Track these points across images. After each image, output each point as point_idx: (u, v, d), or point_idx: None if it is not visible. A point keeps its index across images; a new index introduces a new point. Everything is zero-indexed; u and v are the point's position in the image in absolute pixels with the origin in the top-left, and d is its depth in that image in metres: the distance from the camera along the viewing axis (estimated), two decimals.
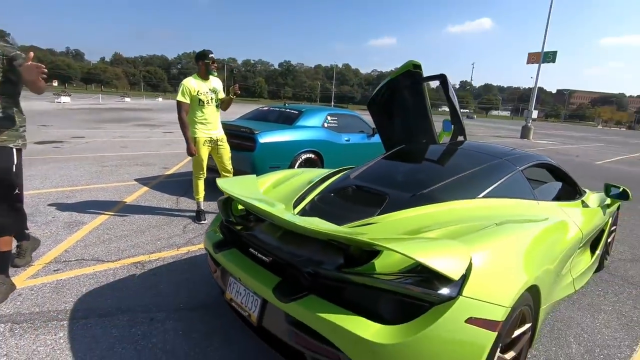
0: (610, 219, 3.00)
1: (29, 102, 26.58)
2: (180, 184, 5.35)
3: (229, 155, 3.93)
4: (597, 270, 3.12)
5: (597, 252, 2.76)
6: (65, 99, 29.71)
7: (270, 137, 4.65)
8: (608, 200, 2.91)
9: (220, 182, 1.90)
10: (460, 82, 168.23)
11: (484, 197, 2.00)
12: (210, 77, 3.70)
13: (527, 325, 1.59)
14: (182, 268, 2.78)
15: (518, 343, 1.60)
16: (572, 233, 2.07)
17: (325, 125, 5.50)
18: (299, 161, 4.90)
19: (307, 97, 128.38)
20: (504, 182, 2.15)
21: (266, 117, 5.68)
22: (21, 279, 2.48)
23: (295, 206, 1.97)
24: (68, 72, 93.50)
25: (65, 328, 2.00)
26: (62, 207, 4.03)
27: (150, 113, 23.05)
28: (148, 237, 3.34)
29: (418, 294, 1.24)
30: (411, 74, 3.18)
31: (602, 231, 2.87)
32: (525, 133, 21.33)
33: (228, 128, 4.74)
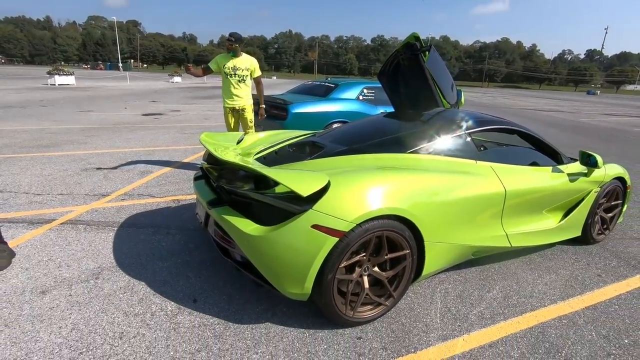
0: (598, 190, 2.91)
1: (148, 82, 31.54)
2: None
3: (250, 124, 4.54)
4: (585, 242, 3.07)
5: (565, 221, 2.77)
6: (177, 79, 34.35)
7: (301, 108, 5.26)
8: (584, 169, 2.83)
9: (205, 136, 2.61)
10: (587, 51, 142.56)
11: (411, 152, 2.32)
12: (243, 55, 4.33)
13: (405, 252, 1.96)
14: None
15: (397, 266, 2.00)
16: (490, 190, 2.26)
17: (361, 97, 5.87)
18: None
19: None
20: (441, 141, 2.41)
21: (307, 91, 6.27)
22: (103, 201, 3.61)
23: (257, 154, 2.57)
24: (182, 55, 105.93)
25: (114, 231, 2.98)
26: (142, 160, 5.29)
27: None
28: (191, 184, 4.31)
29: (284, 206, 1.76)
30: (411, 45, 3.42)
31: (580, 201, 2.84)
32: None
33: (270, 100, 5.50)
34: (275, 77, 71.16)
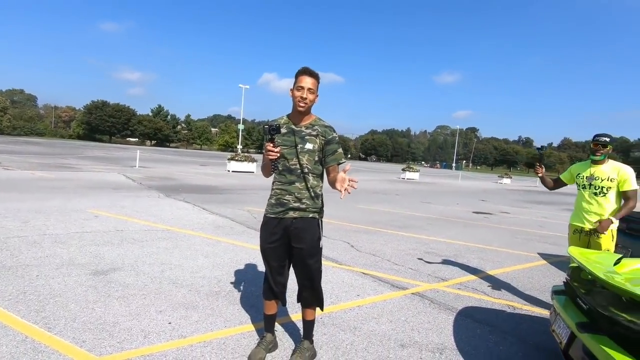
0: None
1: (477, 182, 33.18)
2: None
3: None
4: None
5: None
6: (506, 180, 34.18)
7: None
8: None
9: (575, 250, 2.45)
10: None
11: None
12: (608, 162, 3.32)
13: None
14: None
15: None
16: None
17: None
18: None
19: None
20: None
21: None
22: (443, 284, 4.09)
23: None
24: (515, 157, 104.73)
25: (453, 315, 3.27)
26: (475, 256, 5.55)
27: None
28: (529, 293, 4.05)
29: None
30: None
31: None
32: None
33: None
34: None
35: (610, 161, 3.34)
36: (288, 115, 2.30)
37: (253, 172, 20.27)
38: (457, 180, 32.94)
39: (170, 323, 2.75)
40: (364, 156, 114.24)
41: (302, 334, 2.49)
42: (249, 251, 4.84)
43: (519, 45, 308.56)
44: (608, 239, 3.25)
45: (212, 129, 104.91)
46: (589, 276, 2.20)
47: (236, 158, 20.68)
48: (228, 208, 8.16)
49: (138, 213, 6.81)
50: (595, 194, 3.31)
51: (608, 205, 3.26)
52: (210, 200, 9.10)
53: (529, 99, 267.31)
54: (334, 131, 2.30)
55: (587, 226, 3.34)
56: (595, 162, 3.35)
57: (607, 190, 3.26)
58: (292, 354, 2.37)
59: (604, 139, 3.24)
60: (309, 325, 2.41)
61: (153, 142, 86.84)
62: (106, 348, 2.34)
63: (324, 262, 4.56)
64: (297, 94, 2.14)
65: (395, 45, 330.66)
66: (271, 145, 2.08)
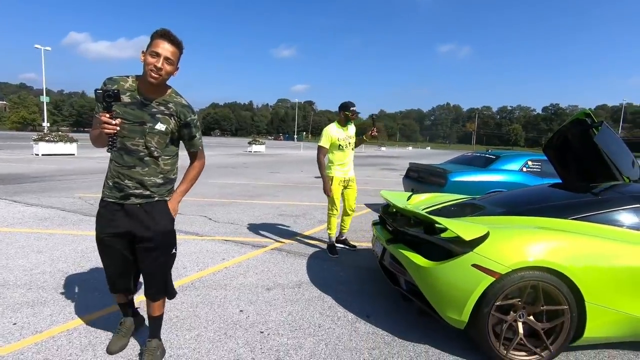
0: None
1: (315, 151, 36.70)
2: None
3: (355, 195, 4.48)
4: None
5: None
6: None
7: (460, 177, 5.65)
8: None
9: (384, 192, 3.39)
10: None
11: (574, 219, 2.50)
12: (349, 125, 4.21)
13: (563, 307, 2.13)
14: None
15: (555, 319, 2.16)
16: None
17: (525, 169, 5.85)
18: None
19: None
20: (608, 212, 2.50)
21: (467, 161, 6.61)
22: (296, 238, 4.77)
23: (425, 209, 3.16)
24: None
25: (305, 259, 3.97)
26: (319, 212, 6.54)
27: (397, 160, 26.89)
28: (356, 234, 5.16)
29: (449, 247, 2.27)
30: (580, 122, 3.59)
31: None
32: None
33: (427, 168, 6.13)
34: (429, 148, 71.91)
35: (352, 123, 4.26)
36: (136, 80, 1.89)
37: (74, 155, 17.07)
38: (300, 150, 35.65)
39: (15, 324, 2.46)
40: (207, 131, 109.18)
41: (149, 331, 2.15)
42: (94, 239, 4.42)
43: (341, 26, 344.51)
44: (355, 184, 4.42)
45: None
46: (394, 209, 3.13)
47: (47, 138, 16.88)
48: (51, 197, 6.91)
49: None
50: (352, 150, 4.26)
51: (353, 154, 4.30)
52: (21, 191, 7.46)
53: (350, 74, 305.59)
54: (193, 112, 2.00)
55: (346, 177, 4.26)
56: (345, 125, 4.18)
57: (354, 146, 4.31)
58: (141, 354, 2.12)
59: (355, 108, 4.15)
60: (156, 322, 2.13)
61: None
62: None
63: (185, 237, 4.66)
64: (151, 60, 1.75)
65: (233, 12, 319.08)
66: (107, 115, 1.65)
